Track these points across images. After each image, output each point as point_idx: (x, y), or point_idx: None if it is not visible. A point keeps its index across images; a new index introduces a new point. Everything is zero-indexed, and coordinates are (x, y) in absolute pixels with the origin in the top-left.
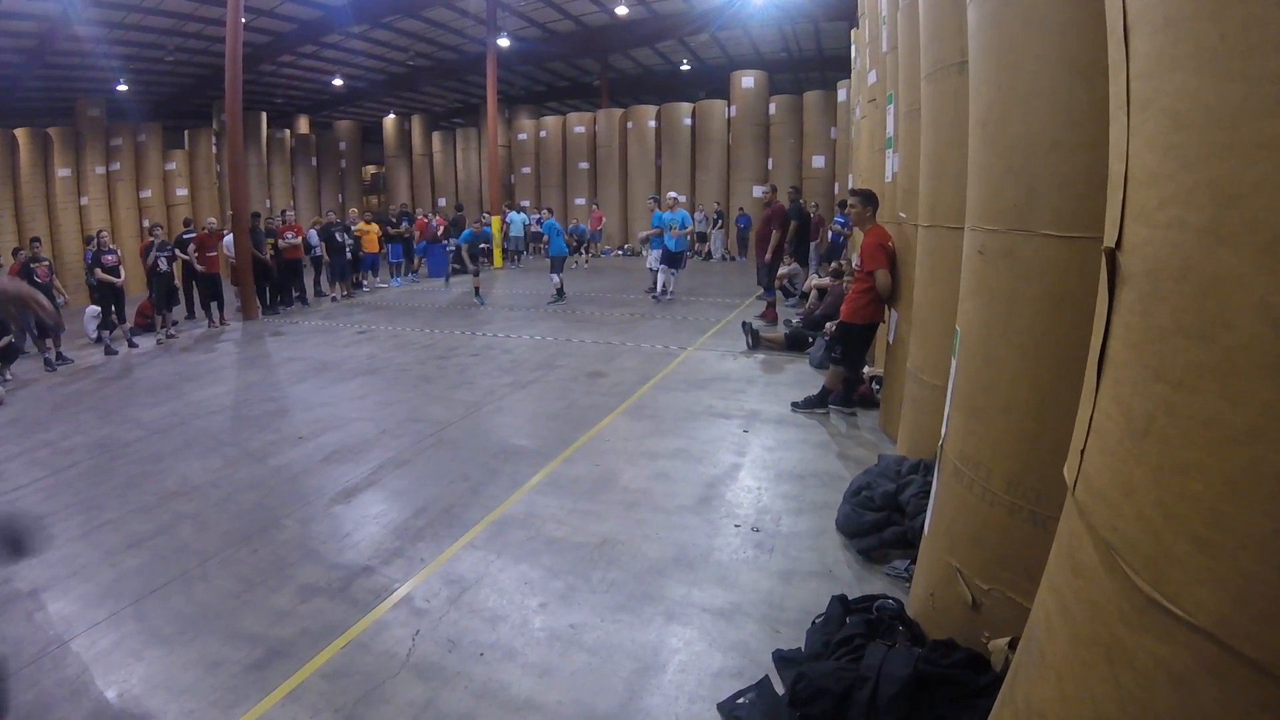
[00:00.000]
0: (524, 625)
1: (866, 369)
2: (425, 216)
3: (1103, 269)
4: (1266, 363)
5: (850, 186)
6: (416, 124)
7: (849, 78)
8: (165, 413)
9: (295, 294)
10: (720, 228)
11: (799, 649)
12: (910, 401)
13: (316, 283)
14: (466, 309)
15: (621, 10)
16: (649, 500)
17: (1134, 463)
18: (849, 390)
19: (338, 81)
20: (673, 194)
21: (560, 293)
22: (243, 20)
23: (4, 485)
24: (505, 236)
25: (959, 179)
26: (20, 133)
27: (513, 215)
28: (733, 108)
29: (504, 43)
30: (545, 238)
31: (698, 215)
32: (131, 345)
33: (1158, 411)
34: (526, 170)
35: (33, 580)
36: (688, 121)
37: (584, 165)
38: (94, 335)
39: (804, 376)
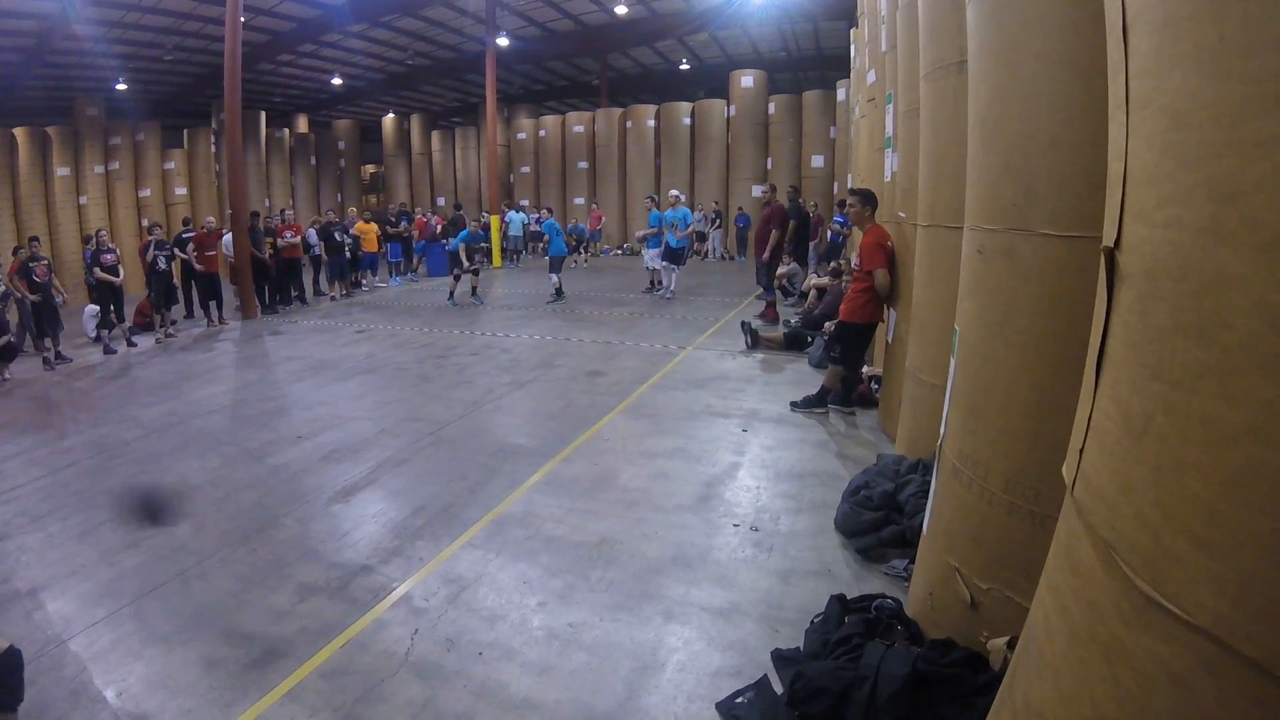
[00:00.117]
0: (523, 624)
1: (865, 368)
2: (424, 216)
3: (1101, 268)
4: (1265, 361)
5: (849, 186)
6: (415, 123)
7: (848, 77)
8: (164, 412)
9: (294, 293)
10: (719, 227)
11: (797, 648)
12: (909, 401)
13: (315, 282)
14: (465, 308)
15: (621, 9)
16: (648, 499)
17: (1132, 462)
18: (848, 389)
19: (337, 81)
20: (674, 192)
21: (559, 292)
22: (242, 19)
23: (3, 484)
24: (504, 236)
25: (958, 178)
26: (19, 132)
27: (511, 215)
28: (732, 107)
29: (503, 42)
30: (546, 237)
31: (696, 214)
32: (130, 344)
33: (1156, 410)
34: (525, 170)
35: (31, 579)
36: (687, 121)
37: (583, 165)
38: (93, 334)
39: (803, 376)
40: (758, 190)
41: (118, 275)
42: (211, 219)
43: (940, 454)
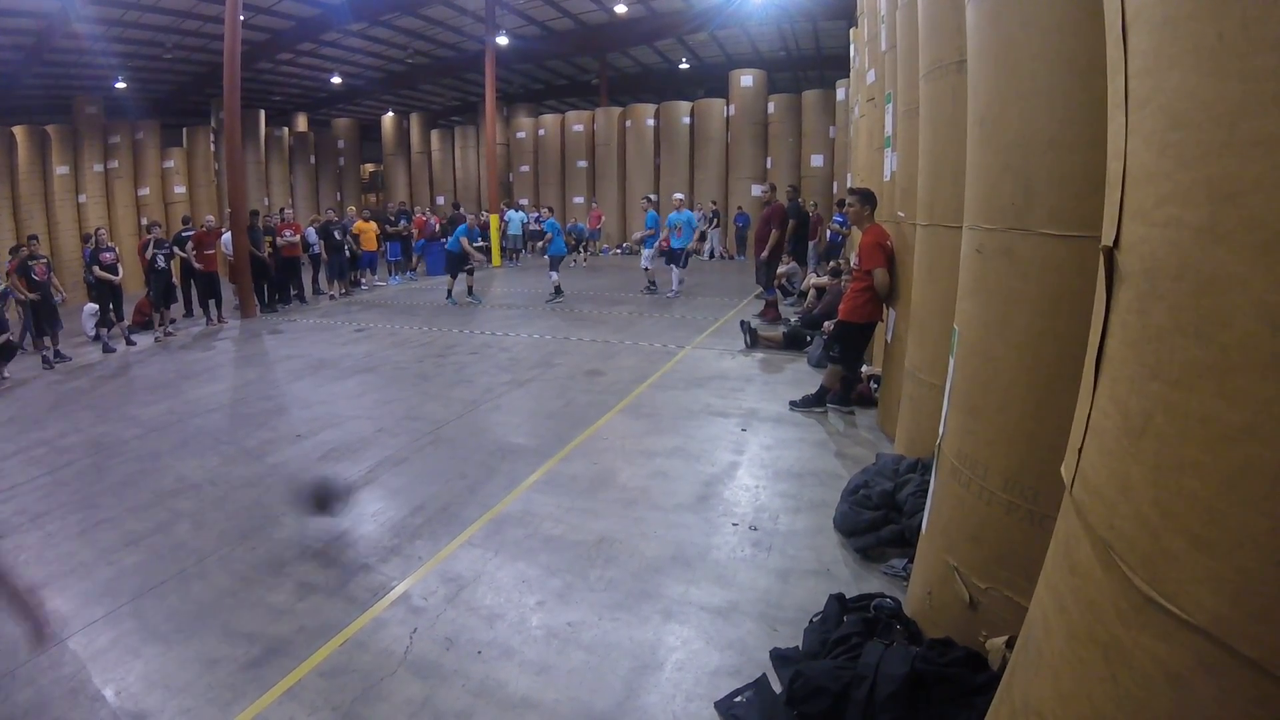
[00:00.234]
0: (521, 623)
1: (865, 368)
2: (424, 214)
3: (1100, 267)
4: (1263, 361)
5: (849, 185)
6: (415, 122)
7: (848, 77)
8: (163, 410)
9: (293, 292)
10: (716, 227)
11: (796, 647)
12: (908, 400)
13: (314, 281)
14: (464, 307)
15: (620, 9)
16: (647, 499)
17: (1131, 461)
18: (847, 389)
19: (336, 79)
20: (678, 195)
21: (558, 290)
22: (241, 18)
23: (1, 483)
24: (503, 235)
25: (957, 178)
26: (18, 130)
27: (511, 214)
28: (731, 106)
29: (503, 41)
30: (548, 235)
31: (696, 214)
32: (129, 343)
33: (1155, 410)
34: (525, 169)
35: (30, 578)
36: (686, 120)
37: (582, 164)
38: (92, 333)
39: (802, 375)
40: (757, 190)
41: (117, 274)
42: (211, 218)
43: (939, 453)
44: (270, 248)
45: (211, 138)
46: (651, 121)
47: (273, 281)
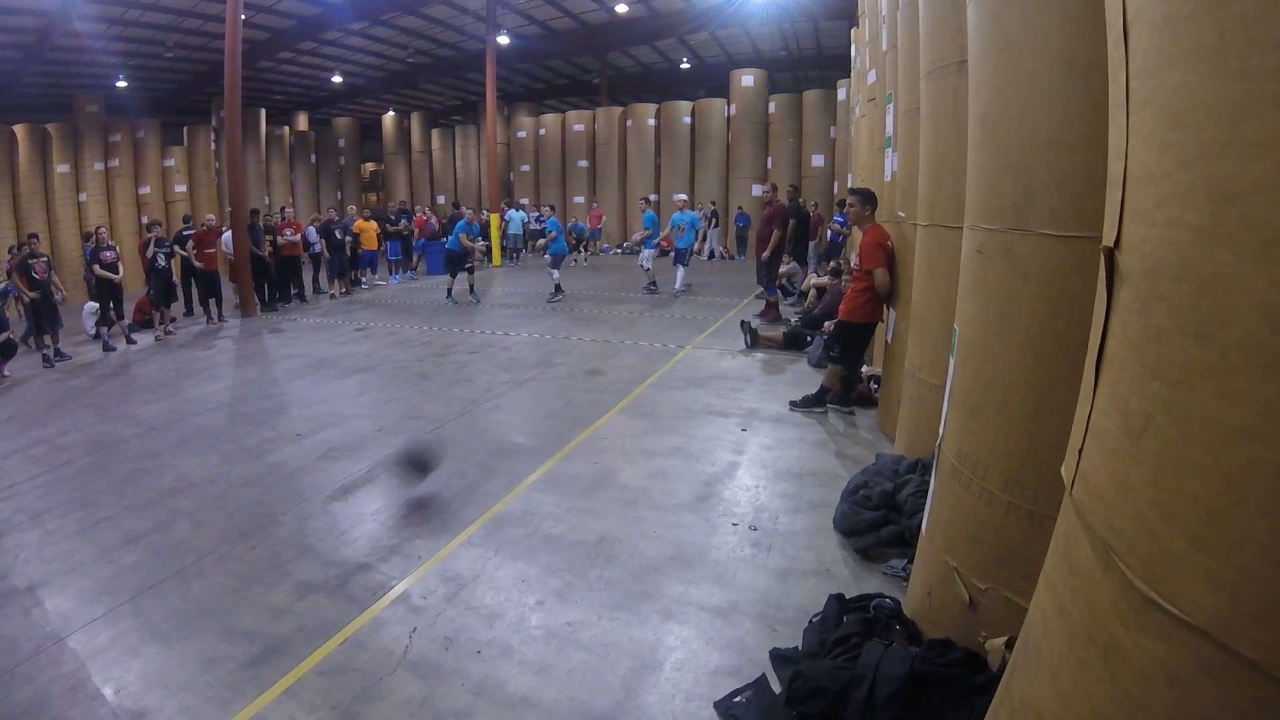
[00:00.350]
0: (521, 623)
1: (865, 368)
2: (424, 214)
3: (1101, 268)
4: (1264, 361)
5: (849, 185)
6: (416, 121)
7: (849, 77)
8: (163, 409)
9: (293, 291)
10: (715, 227)
11: (796, 647)
12: (908, 400)
13: (315, 280)
14: (464, 306)
15: (621, 8)
16: (647, 498)
17: (1131, 461)
18: (847, 389)
19: (337, 78)
20: (681, 195)
21: (559, 289)
22: (242, 17)
23: (1, 481)
24: (504, 235)
25: (958, 178)
26: (19, 129)
27: (511, 213)
28: (732, 106)
29: (503, 40)
30: (552, 233)
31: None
32: (130, 342)
33: (1155, 410)
34: (526, 168)
35: (30, 576)
36: (687, 120)
37: (583, 163)
38: (92, 332)
39: (802, 375)
40: (758, 189)
41: (117, 273)
42: (211, 216)
43: (939, 454)
44: (271, 247)
45: (212, 136)
46: (652, 121)
47: (273, 280)
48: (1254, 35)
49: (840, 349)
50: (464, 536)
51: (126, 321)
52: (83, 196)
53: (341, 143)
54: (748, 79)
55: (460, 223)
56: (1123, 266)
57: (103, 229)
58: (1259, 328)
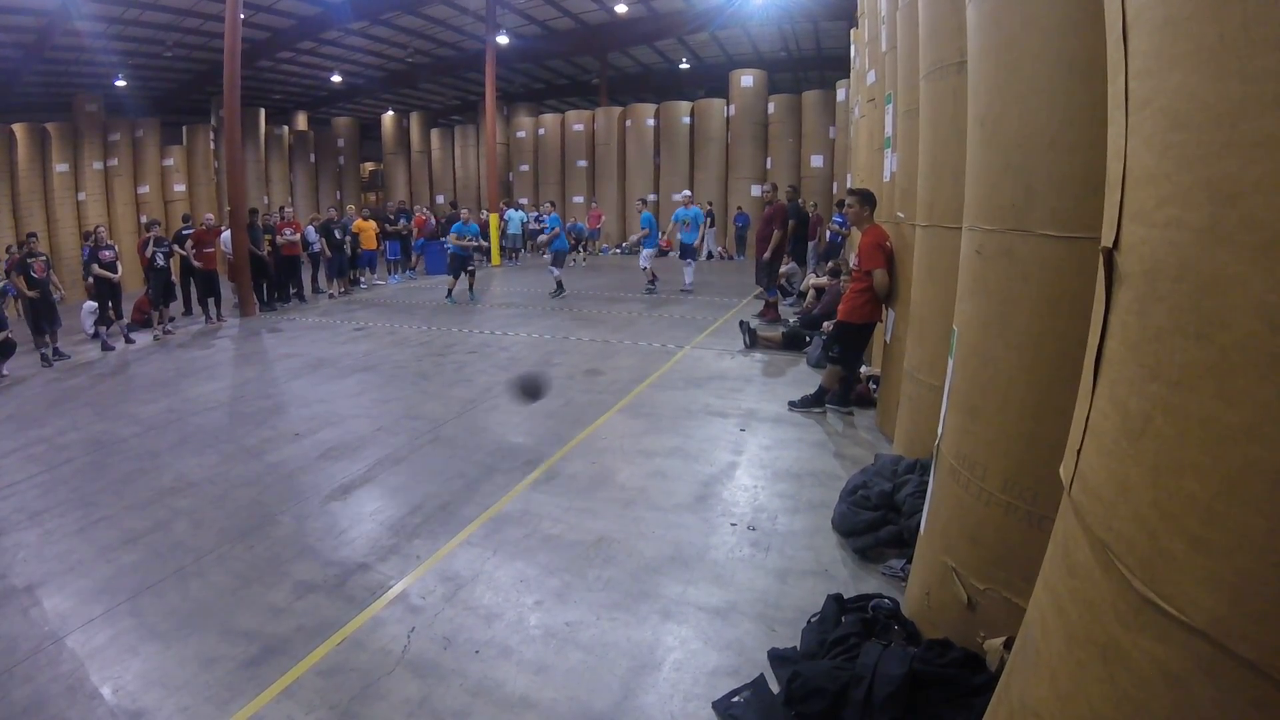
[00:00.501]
0: (519, 623)
1: (864, 368)
2: (423, 214)
3: (1100, 268)
4: (1263, 362)
5: (848, 186)
6: (415, 121)
7: (848, 77)
8: (161, 409)
9: (292, 291)
10: (711, 226)
11: (794, 648)
12: (907, 401)
13: (314, 279)
14: (463, 306)
15: (621, 8)
16: (645, 498)
17: (1130, 462)
18: (846, 389)
19: (336, 78)
20: (686, 192)
21: (560, 286)
22: (241, 16)
23: (0, 481)
24: (503, 234)
25: (957, 179)
26: (18, 128)
27: (510, 213)
28: (732, 107)
29: (503, 40)
30: (555, 230)
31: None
32: (128, 341)
33: (1154, 411)
34: (525, 168)
35: (28, 576)
36: (686, 120)
37: (582, 163)
38: (91, 331)
39: (801, 375)
40: (757, 190)
41: (116, 272)
42: (210, 216)
43: (938, 454)
44: (270, 246)
45: (211, 136)
46: (652, 121)
47: (272, 280)
48: (1254, 36)
49: (839, 349)
50: (463, 536)
51: (125, 321)
52: (82, 196)
53: (341, 142)
54: (747, 79)
55: (457, 224)
56: (1122, 267)
57: (101, 228)
58: (1259, 329)
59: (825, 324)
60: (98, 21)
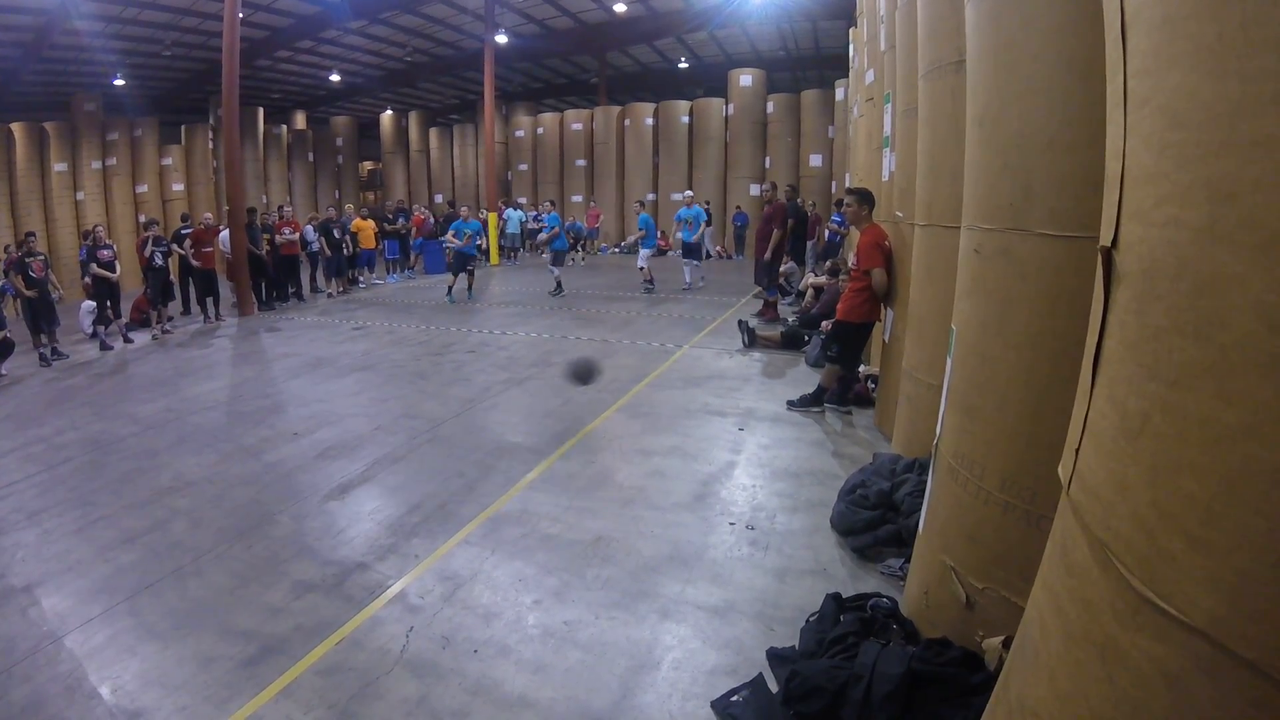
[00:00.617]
0: (518, 622)
1: (862, 368)
2: (422, 213)
3: (1099, 267)
4: (1262, 361)
5: (847, 185)
6: (414, 120)
7: (847, 77)
8: (160, 408)
9: (291, 290)
10: (709, 226)
11: (793, 647)
12: (905, 400)
13: (313, 279)
14: (462, 305)
15: (620, 8)
16: (644, 498)
17: (1129, 461)
18: (845, 389)
19: (335, 77)
20: (689, 192)
21: (560, 285)
22: (240, 15)
23: None
24: (502, 234)
25: (955, 178)
26: (16, 127)
27: (509, 212)
28: (730, 106)
29: (502, 39)
30: (555, 229)
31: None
32: (127, 340)
33: (1153, 410)
34: (524, 167)
35: (27, 575)
36: (685, 119)
37: (581, 163)
38: (89, 330)
39: (800, 375)
40: (756, 189)
41: (114, 271)
42: (209, 215)
43: (936, 453)
44: (268, 245)
45: (210, 135)
46: (650, 120)
47: (270, 279)
48: (1253, 35)
49: (838, 348)
50: (461, 535)
51: (124, 320)
52: (80, 195)
53: (339, 141)
54: (746, 79)
55: (456, 222)
56: (1120, 266)
57: (100, 228)
58: (1257, 328)
59: (824, 323)
60: (96, 21)
